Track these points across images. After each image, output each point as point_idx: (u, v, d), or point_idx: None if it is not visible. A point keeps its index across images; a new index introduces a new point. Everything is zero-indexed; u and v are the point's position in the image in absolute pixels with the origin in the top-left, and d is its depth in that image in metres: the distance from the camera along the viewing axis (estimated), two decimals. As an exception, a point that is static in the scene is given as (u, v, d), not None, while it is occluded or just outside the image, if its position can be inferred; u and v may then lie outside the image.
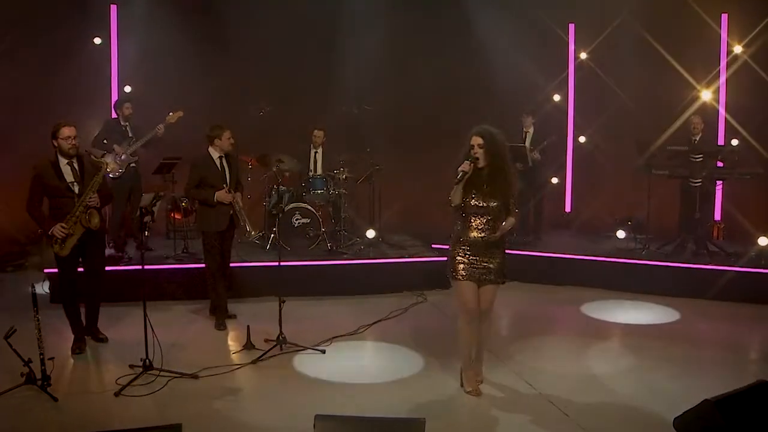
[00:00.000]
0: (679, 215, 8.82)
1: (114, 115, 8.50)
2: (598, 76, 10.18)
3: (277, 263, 6.48)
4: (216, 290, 6.70)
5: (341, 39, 9.76)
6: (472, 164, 5.01)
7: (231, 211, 6.62)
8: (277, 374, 5.52)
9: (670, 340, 6.50)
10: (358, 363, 5.90)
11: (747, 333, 6.91)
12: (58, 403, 4.80)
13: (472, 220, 5.02)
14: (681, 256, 8.30)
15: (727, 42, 9.54)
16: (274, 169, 8.53)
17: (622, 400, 5.12)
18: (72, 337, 5.88)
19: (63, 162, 5.67)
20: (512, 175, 5.12)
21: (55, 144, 5.67)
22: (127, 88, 9.29)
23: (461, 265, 5.04)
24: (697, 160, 8.29)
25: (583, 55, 10.49)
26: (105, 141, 7.98)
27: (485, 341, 5.29)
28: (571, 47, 10.59)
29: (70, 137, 5.63)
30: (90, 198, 5.63)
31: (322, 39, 9.61)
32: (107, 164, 5.82)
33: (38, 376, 4.92)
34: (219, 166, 6.62)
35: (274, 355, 5.83)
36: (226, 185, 6.57)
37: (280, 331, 5.95)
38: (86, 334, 6.00)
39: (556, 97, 10.52)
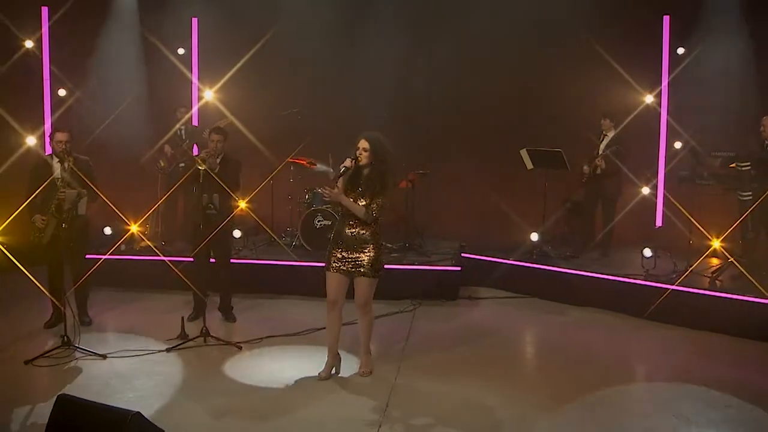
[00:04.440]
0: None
1: (195, 121, 9.82)
2: (698, 74, 9.27)
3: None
4: (193, 284, 7.52)
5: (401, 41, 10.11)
6: (353, 161, 5.59)
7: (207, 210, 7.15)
8: (172, 362, 6.24)
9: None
10: (262, 362, 6.35)
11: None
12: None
13: (345, 217, 5.64)
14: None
15: None
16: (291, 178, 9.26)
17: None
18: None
19: (55, 160, 6.93)
20: (386, 183, 5.65)
21: (51, 145, 6.96)
22: (208, 93, 10.58)
23: (333, 258, 5.71)
24: (744, 168, 7.28)
25: (681, 50, 9.58)
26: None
27: (365, 335, 5.92)
28: (666, 41, 9.72)
29: (60, 141, 6.85)
30: (61, 192, 6.78)
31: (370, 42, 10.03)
32: (70, 161, 6.85)
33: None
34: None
35: (195, 347, 6.55)
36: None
37: (204, 325, 6.65)
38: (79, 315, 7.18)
39: (649, 98, 9.76)
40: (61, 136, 6.88)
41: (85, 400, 4.44)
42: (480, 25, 9.92)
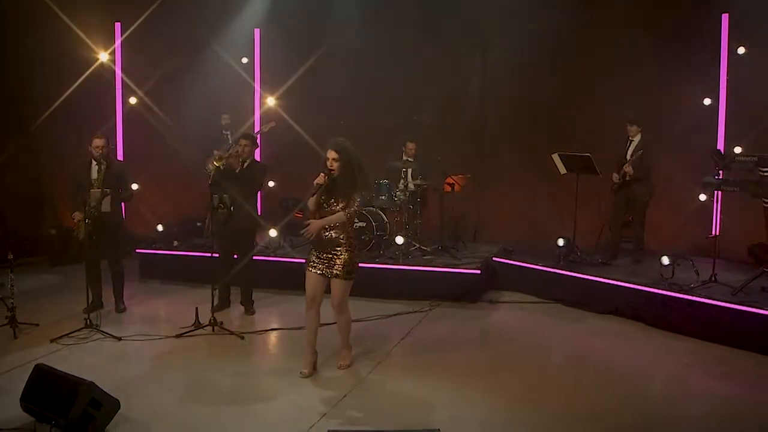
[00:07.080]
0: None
1: (257, 127, 10.74)
2: (759, 75, 9.04)
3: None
4: (217, 278, 8.25)
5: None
6: (326, 177, 6.00)
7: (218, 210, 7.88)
8: (176, 347, 7.00)
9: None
10: (256, 352, 7.03)
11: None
12: (18, 339, 7.06)
13: None
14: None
15: None
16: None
17: None
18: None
19: (93, 164, 7.87)
20: (359, 184, 6.04)
21: (90, 149, 7.91)
22: (270, 100, 11.45)
23: (311, 259, 6.16)
24: (765, 173, 7.10)
25: (741, 50, 9.32)
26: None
27: (342, 333, 6.38)
28: (724, 41, 9.47)
29: (98, 146, 7.77)
30: (93, 191, 7.69)
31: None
32: (104, 164, 7.76)
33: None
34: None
35: (204, 335, 7.29)
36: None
37: (212, 315, 7.38)
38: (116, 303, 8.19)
39: (707, 101, 9.57)
40: (98, 141, 7.77)
41: (56, 369, 5.24)
42: (532, 29, 10.11)
